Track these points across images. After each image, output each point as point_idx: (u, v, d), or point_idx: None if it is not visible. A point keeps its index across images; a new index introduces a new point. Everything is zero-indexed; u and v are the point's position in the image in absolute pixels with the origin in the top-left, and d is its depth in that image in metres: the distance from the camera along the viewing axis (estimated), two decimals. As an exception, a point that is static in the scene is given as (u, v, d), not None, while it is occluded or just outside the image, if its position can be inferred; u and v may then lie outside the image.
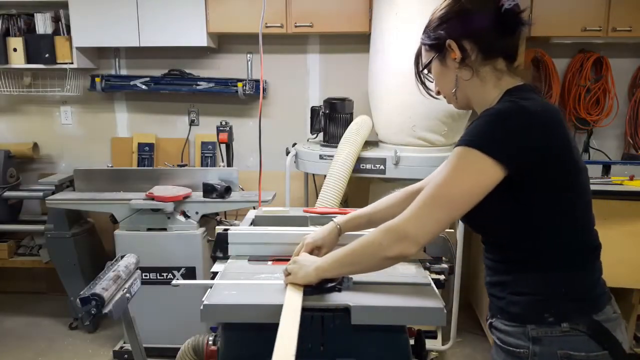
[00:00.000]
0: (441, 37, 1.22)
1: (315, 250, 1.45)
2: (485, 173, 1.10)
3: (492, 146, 1.09)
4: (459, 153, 1.12)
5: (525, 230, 1.16)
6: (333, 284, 1.28)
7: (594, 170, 2.95)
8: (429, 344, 2.11)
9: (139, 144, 3.71)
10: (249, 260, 1.56)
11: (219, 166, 3.45)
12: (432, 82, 1.34)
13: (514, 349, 1.17)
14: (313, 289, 1.27)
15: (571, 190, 1.16)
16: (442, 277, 1.46)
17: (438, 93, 1.34)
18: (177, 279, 2.87)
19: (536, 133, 1.10)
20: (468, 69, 1.21)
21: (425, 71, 1.32)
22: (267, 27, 3.18)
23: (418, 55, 1.34)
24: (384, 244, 1.17)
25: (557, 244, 1.16)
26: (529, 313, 1.16)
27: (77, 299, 1.47)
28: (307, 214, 1.95)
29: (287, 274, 1.30)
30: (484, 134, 1.11)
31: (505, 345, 1.20)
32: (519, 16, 1.18)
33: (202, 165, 3.65)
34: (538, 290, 1.16)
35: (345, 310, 1.22)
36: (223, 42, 3.62)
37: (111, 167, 3.29)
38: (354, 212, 1.56)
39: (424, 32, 1.28)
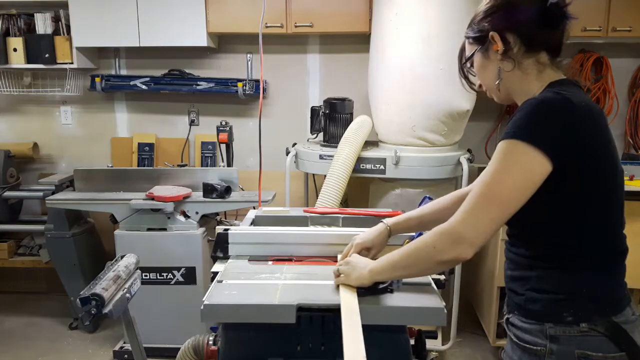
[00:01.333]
0: (484, 30, 1.22)
1: (364, 251, 1.45)
2: (534, 165, 1.08)
3: (538, 137, 1.07)
4: (505, 147, 1.10)
5: (556, 227, 1.15)
6: (385, 285, 1.28)
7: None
8: (429, 344, 2.11)
9: (139, 144, 3.71)
10: (249, 260, 1.56)
11: (219, 166, 3.45)
12: (474, 76, 1.33)
13: (531, 347, 1.17)
14: (365, 290, 1.27)
15: (607, 189, 1.15)
16: (442, 277, 1.46)
17: (480, 87, 1.33)
18: (177, 279, 2.88)
19: (579, 126, 1.09)
20: (510, 61, 1.20)
21: (468, 65, 1.31)
22: (267, 27, 3.18)
23: (462, 50, 1.33)
24: (438, 247, 1.15)
25: (586, 243, 1.15)
26: (548, 311, 1.15)
27: (77, 299, 1.47)
28: (307, 214, 1.95)
29: (338, 274, 1.30)
30: (528, 125, 1.09)
31: (521, 343, 1.19)
32: (564, 10, 1.17)
33: (202, 165, 3.65)
34: (560, 289, 1.15)
35: (346, 310, 1.22)
36: (223, 42, 3.62)
37: (111, 167, 3.28)
38: (404, 214, 1.55)
39: (469, 26, 1.28)
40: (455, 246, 1.12)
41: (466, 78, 1.35)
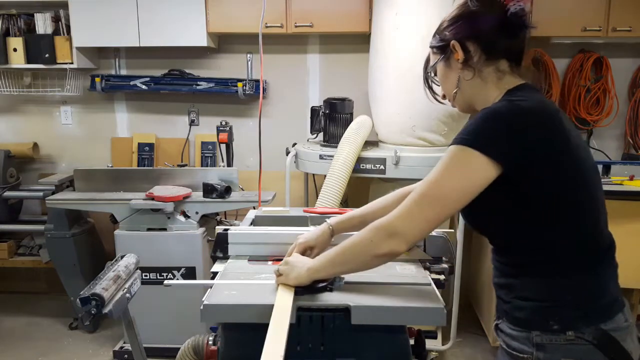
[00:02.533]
0: (446, 39, 1.25)
1: (308, 250, 1.45)
2: (478, 171, 1.10)
3: (486, 144, 1.09)
4: (452, 151, 1.13)
5: (530, 232, 1.15)
6: (324, 284, 1.28)
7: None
8: (429, 344, 2.11)
9: (139, 144, 3.71)
10: (249, 260, 1.56)
11: (219, 166, 3.46)
12: (439, 86, 1.35)
13: (518, 354, 1.16)
14: (304, 289, 1.27)
15: (574, 189, 1.14)
16: (442, 277, 1.46)
17: (444, 97, 1.35)
18: (177, 279, 2.87)
19: (531, 130, 1.10)
20: (470, 70, 1.23)
21: (432, 74, 1.34)
22: (267, 27, 3.18)
23: (427, 61, 1.36)
24: (374, 240, 1.18)
25: (563, 246, 1.15)
26: (534, 319, 1.15)
27: (77, 299, 1.47)
28: (307, 214, 1.95)
29: (279, 274, 1.30)
30: (478, 132, 1.11)
31: (509, 349, 1.19)
32: (523, 19, 1.19)
33: (202, 165, 3.65)
34: (544, 297, 1.15)
35: (345, 310, 1.22)
36: (223, 42, 3.62)
37: (111, 167, 3.29)
38: (348, 213, 1.56)
39: (433, 36, 1.31)
40: (390, 240, 1.16)
41: (430, 88, 1.38)
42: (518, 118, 1.11)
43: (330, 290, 1.29)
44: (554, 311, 1.14)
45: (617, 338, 1.12)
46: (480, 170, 1.10)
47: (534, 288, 1.16)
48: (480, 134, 1.11)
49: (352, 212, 1.55)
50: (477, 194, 1.12)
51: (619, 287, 1.21)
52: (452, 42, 1.22)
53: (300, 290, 1.26)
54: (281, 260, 1.56)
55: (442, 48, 1.27)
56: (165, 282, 1.43)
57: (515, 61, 1.23)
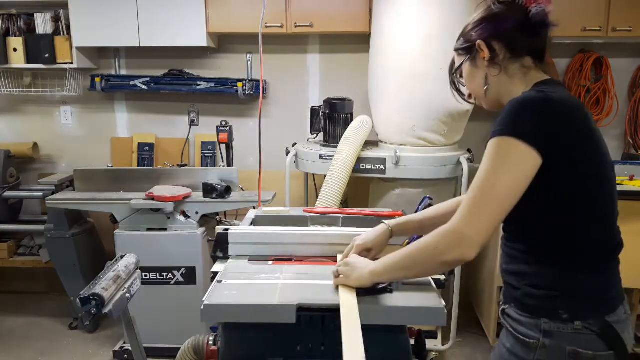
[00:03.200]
0: (472, 40, 1.29)
1: (364, 252, 1.45)
2: (525, 158, 1.11)
3: (523, 132, 1.11)
4: (494, 144, 1.14)
5: (550, 222, 1.17)
6: (384, 285, 1.28)
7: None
8: (429, 344, 2.11)
9: (139, 144, 3.71)
10: (249, 260, 1.56)
11: (219, 166, 3.45)
12: (464, 86, 1.39)
13: (525, 338, 1.19)
14: (365, 291, 1.27)
15: (594, 182, 1.17)
16: (442, 277, 1.46)
17: (470, 96, 1.38)
18: (177, 279, 2.88)
19: (560, 120, 1.13)
20: (497, 67, 1.27)
21: (458, 75, 1.38)
22: (267, 27, 3.18)
23: (452, 63, 1.40)
24: (440, 248, 1.16)
25: (578, 238, 1.17)
26: (544, 307, 1.18)
27: (77, 299, 1.46)
28: (307, 214, 1.95)
29: (337, 275, 1.31)
30: (514, 121, 1.13)
31: (516, 333, 1.22)
32: (545, 19, 1.24)
33: (202, 165, 3.65)
34: (556, 286, 1.18)
35: (346, 310, 1.22)
36: (223, 42, 3.62)
37: (111, 167, 3.29)
38: (406, 216, 1.56)
39: (457, 39, 1.35)
40: (458, 246, 1.13)
41: (458, 90, 1.42)
42: (548, 106, 1.14)
43: (391, 291, 1.29)
44: (564, 301, 1.17)
45: (617, 329, 1.17)
46: (527, 158, 1.11)
47: (546, 277, 1.19)
48: (515, 122, 1.12)
49: (410, 216, 1.56)
50: (529, 182, 1.12)
51: (621, 280, 1.25)
52: (478, 42, 1.27)
53: (362, 292, 1.26)
54: (281, 260, 1.57)
55: (467, 49, 1.31)
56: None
57: (539, 58, 1.27)
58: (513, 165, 1.11)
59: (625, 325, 1.19)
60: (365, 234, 1.49)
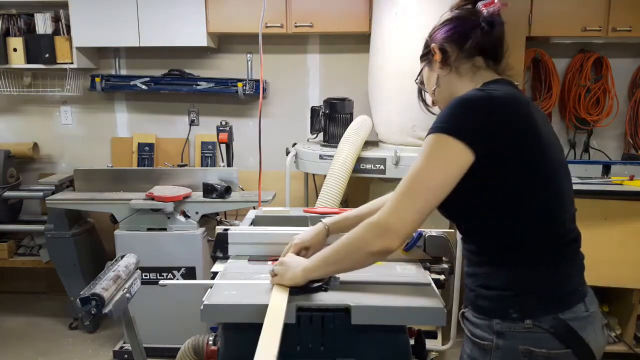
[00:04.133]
0: (428, 45, 1.34)
1: (303, 250, 1.46)
2: (456, 156, 1.13)
3: (459, 130, 1.13)
4: (429, 140, 1.16)
5: (494, 220, 1.18)
6: (319, 284, 1.28)
7: (594, 170, 2.95)
8: (429, 344, 2.11)
9: (139, 144, 3.71)
10: (249, 260, 1.56)
11: (219, 166, 3.45)
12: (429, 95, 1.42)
13: (480, 341, 1.21)
14: (299, 289, 1.27)
15: (538, 180, 1.17)
16: (442, 277, 1.46)
17: (433, 103, 1.41)
18: (177, 279, 2.88)
19: (499, 118, 1.14)
20: (447, 67, 1.30)
21: (420, 83, 1.43)
22: (267, 27, 3.18)
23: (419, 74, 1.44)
24: (365, 238, 1.18)
25: (524, 236, 1.18)
26: (496, 308, 1.20)
27: (77, 299, 1.46)
28: (307, 214, 1.95)
29: (274, 274, 1.31)
30: (450, 119, 1.15)
31: (472, 337, 1.23)
32: (493, 18, 1.25)
33: (202, 165, 3.65)
34: (506, 286, 1.19)
35: (345, 310, 1.22)
36: (223, 42, 3.62)
37: (111, 167, 3.29)
38: (344, 213, 1.58)
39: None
40: (383, 237, 1.16)
41: (423, 100, 1.47)
42: (487, 105, 1.16)
43: (325, 290, 1.29)
44: (514, 300, 1.18)
45: (574, 327, 1.16)
46: (458, 155, 1.12)
47: (497, 277, 1.20)
48: (452, 120, 1.15)
49: (347, 212, 1.57)
50: (458, 179, 1.14)
51: (583, 279, 1.24)
52: (432, 45, 1.31)
53: (296, 291, 1.27)
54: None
55: (426, 55, 1.36)
56: (161, 282, 1.43)
57: (492, 58, 1.29)
58: (444, 161, 1.13)
59: (587, 322, 1.18)
60: (303, 233, 1.50)
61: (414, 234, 1.53)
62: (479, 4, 1.25)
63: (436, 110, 1.39)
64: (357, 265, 1.26)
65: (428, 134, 1.17)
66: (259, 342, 1.04)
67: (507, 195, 1.16)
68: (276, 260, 1.56)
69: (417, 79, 1.43)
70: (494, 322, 1.18)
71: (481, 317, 1.21)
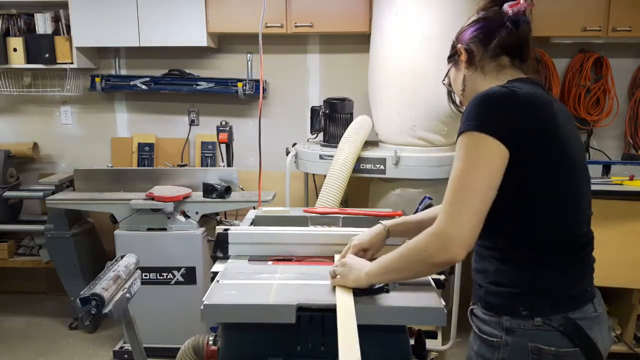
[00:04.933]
0: (454, 46, 1.35)
1: (361, 252, 1.46)
2: (494, 151, 1.11)
3: (488, 125, 1.12)
4: (462, 141, 1.15)
5: (510, 217, 1.17)
6: (381, 285, 1.29)
7: (594, 170, 2.95)
8: (429, 344, 2.11)
9: (139, 144, 3.71)
10: (249, 260, 1.57)
11: (219, 166, 3.45)
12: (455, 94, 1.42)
13: (488, 338, 1.21)
14: (361, 291, 1.27)
15: (559, 178, 1.17)
16: (442, 277, 1.46)
17: (461, 104, 1.40)
18: (177, 279, 2.88)
19: (522, 115, 1.14)
20: (473, 67, 1.30)
21: (448, 84, 1.41)
22: (267, 27, 3.18)
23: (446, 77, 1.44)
24: (429, 251, 1.15)
25: (540, 236, 1.17)
26: (506, 305, 1.19)
27: (77, 299, 1.47)
28: (307, 214, 1.95)
29: (334, 275, 1.31)
30: (477, 116, 1.14)
31: (480, 333, 1.23)
32: (517, 17, 1.26)
33: (202, 165, 3.65)
34: (517, 283, 1.19)
35: (346, 310, 1.22)
36: (223, 42, 3.62)
37: (111, 167, 3.29)
38: (403, 217, 1.57)
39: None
40: (446, 248, 1.13)
41: (453, 102, 1.45)
42: (510, 100, 1.15)
43: (387, 291, 1.30)
44: (524, 298, 1.18)
45: (583, 326, 1.16)
46: (494, 151, 1.11)
47: (508, 274, 1.20)
48: (479, 116, 1.13)
49: (408, 217, 1.57)
50: (502, 175, 1.12)
51: (592, 280, 1.25)
52: (458, 46, 1.32)
53: (358, 292, 1.27)
54: (281, 260, 1.57)
55: (452, 56, 1.36)
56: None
57: (518, 57, 1.29)
58: (484, 159, 1.12)
59: (595, 322, 1.19)
60: (362, 234, 1.50)
61: (412, 235, 1.53)
62: (505, 5, 1.26)
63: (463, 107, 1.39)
64: (419, 275, 1.27)
65: (459, 135, 1.16)
66: (340, 348, 1.04)
67: (525, 193, 1.15)
68: (277, 260, 1.57)
69: (444, 80, 1.43)
70: (503, 319, 1.18)
71: (490, 314, 1.21)
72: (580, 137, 1.26)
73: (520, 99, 1.15)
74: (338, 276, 1.31)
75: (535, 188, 1.15)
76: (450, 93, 1.44)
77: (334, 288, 1.30)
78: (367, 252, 1.46)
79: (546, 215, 1.17)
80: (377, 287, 1.28)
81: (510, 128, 1.12)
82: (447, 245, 1.12)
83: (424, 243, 1.17)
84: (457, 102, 1.42)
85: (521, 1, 1.25)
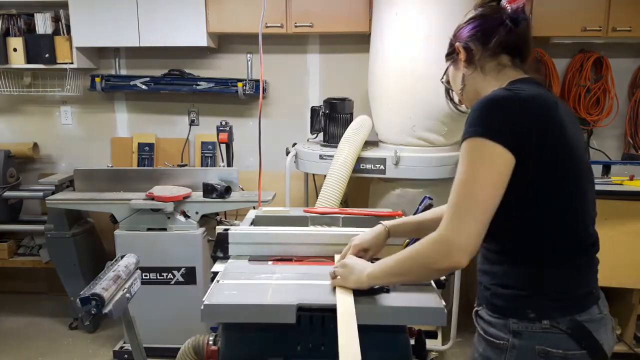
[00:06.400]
0: (452, 44, 1.33)
1: (362, 252, 1.45)
2: (498, 157, 1.10)
3: (493, 131, 1.11)
4: (467, 146, 1.13)
5: (514, 219, 1.17)
6: (382, 285, 1.29)
7: (594, 171, 2.94)
8: (429, 344, 2.11)
9: (139, 144, 3.71)
10: (249, 260, 1.57)
11: (219, 166, 3.45)
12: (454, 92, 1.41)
13: (495, 340, 1.20)
14: (362, 291, 1.27)
15: (566, 181, 1.16)
16: (442, 277, 1.46)
17: (460, 103, 1.40)
18: (177, 279, 2.88)
19: (526, 118, 1.12)
20: (473, 66, 1.28)
21: (446, 82, 1.40)
22: (267, 27, 3.18)
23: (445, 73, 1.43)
24: (432, 257, 1.15)
25: (547, 237, 1.17)
26: (512, 307, 1.18)
27: (77, 299, 1.46)
28: (307, 214, 1.95)
29: (335, 276, 1.31)
30: (481, 122, 1.12)
31: (486, 335, 1.22)
32: (517, 15, 1.24)
33: (202, 165, 3.65)
34: (523, 286, 1.18)
35: (346, 310, 1.22)
36: (223, 42, 3.62)
37: (111, 167, 3.29)
38: (404, 218, 1.57)
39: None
40: (449, 256, 1.11)
41: (451, 99, 1.44)
42: (514, 104, 1.13)
43: (388, 291, 1.30)
44: (532, 300, 1.17)
45: (590, 328, 1.16)
46: (499, 156, 1.10)
47: (515, 276, 1.19)
48: (483, 121, 1.12)
49: (409, 217, 1.56)
50: (507, 181, 1.11)
51: (597, 281, 1.24)
52: (456, 44, 1.30)
53: (358, 292, 1.27)
54: (281, 260, 1.57)
55: (450, 54, 1.34)
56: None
57: (518, 56, 1.28)
58: (489, 166, 1.10)
59: (601, 324, 1.18)
60: (363, 234, 1.49)
61: (412, 236, 1.53)
62: (503, 1, 1.24)
63: (464, 109, 1.39)
64: (422, 279, 1.27)
65: (462, 141, 1.14)
66: (340, 349, 1.04)
67: (532, 195, 1.15)
68: (277, 260, 1.57)
69: (442, 78, 1.41)
70: (510, 321, 1.17)
71: (497, 316, 1.20)
72: (583, 138, 1.25)
73: (525, 101, 1.13)
74: (338, 277, 1.31)
75: (542, 189, 1.15)
76: (448, 91, 1.43)
77: (334, 288, 1.30)
78: (367, 252, 1.46)
79: (553, 216, 1.16)
80: (377, 287, 1.29)
81: (515, 133, 1.10)
82: (450, 252, 1.11)
83: (427, 249, 1.16)
84: (456, 100, 1.41)
85: None
